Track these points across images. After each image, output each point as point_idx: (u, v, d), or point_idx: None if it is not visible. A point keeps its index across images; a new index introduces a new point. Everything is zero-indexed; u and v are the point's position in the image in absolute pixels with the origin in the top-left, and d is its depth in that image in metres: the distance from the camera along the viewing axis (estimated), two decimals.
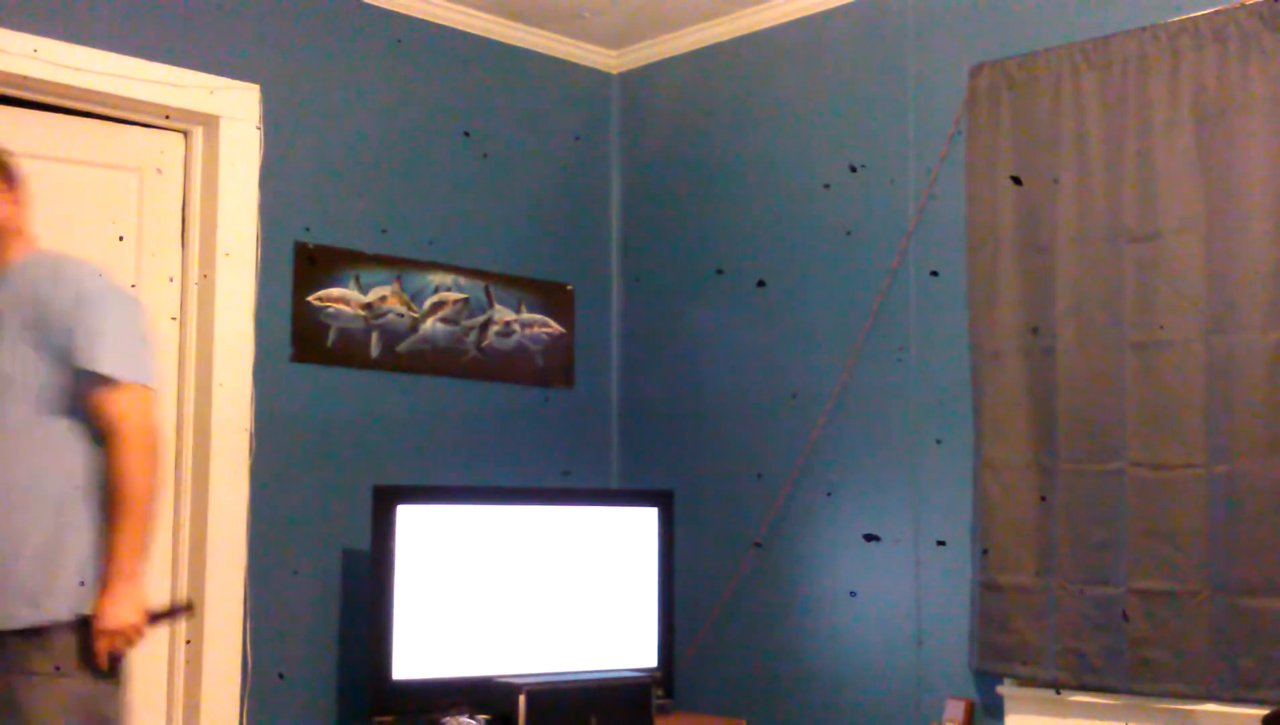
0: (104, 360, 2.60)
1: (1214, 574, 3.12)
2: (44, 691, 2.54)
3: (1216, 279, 3.17)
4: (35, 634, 2.54)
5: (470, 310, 4.20)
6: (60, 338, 2.60)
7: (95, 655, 2.57)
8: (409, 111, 4.11)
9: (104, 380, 2.60)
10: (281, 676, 3.66)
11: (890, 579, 3.74)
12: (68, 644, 2.56)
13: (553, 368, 4.40)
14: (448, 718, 3.46)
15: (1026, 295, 3.48)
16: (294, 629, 3.70)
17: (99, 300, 2.64)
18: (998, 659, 3.44)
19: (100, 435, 2.62)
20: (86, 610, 2.57)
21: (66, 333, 2.60)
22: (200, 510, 3.60)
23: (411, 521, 3.61)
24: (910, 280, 3.79)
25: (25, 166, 3.49)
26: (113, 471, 2.60)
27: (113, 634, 2.57)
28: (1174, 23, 3.27)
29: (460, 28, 4.24)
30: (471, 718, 3.45)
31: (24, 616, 2.55)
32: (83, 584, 2.58)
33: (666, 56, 4.51)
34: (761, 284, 4.14)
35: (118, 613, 2.57)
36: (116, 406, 2.60)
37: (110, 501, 2.60)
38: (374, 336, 3.98)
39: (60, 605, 2.56)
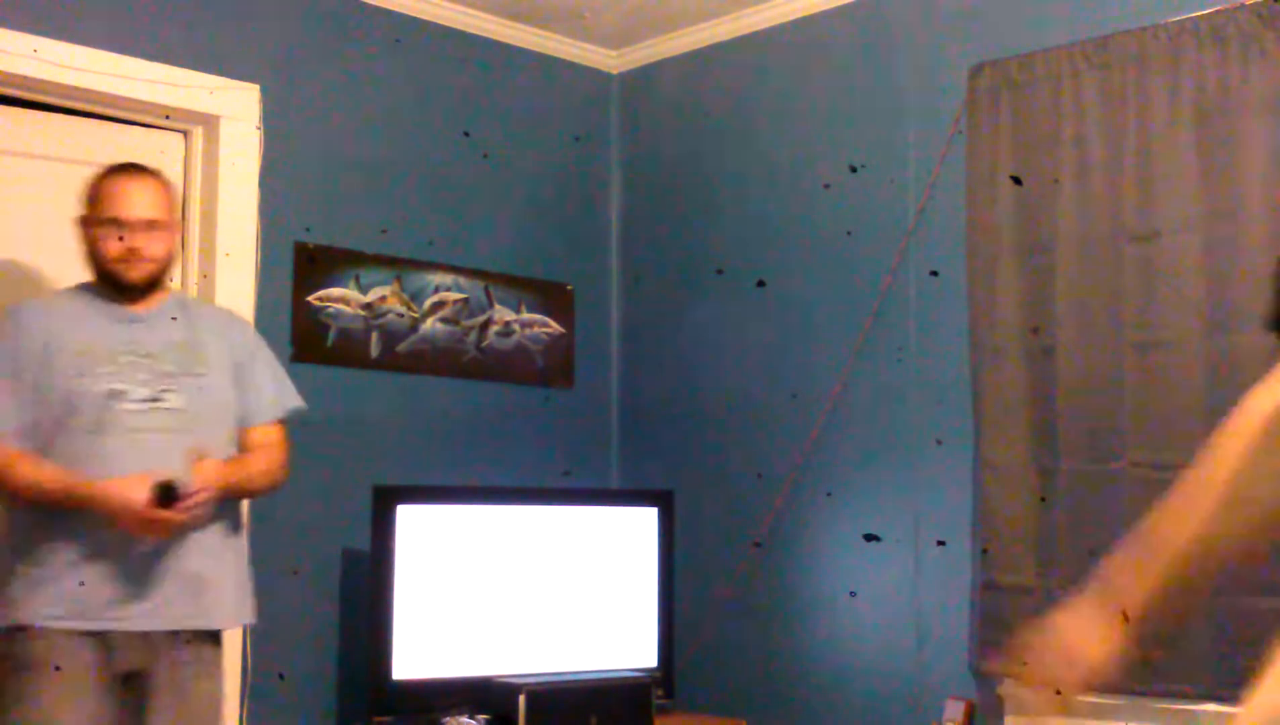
0: (269, 408, 3.13)
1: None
2: (213, 685, 2.98)
3: (1216, 279, 3.17)
4: (213, 635, 2.98)
5: (470, 310, 4.20)
6: (243, 381, 3.07)
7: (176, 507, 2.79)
8: (409, 111, 4.12)
9: (264, 420, 3.12)
10: (281, 676, 3.66)
11: (890, 579, 3.74)
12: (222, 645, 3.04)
13: (553, 368, 4.40)
14: (448, 718, 3.46)
15: (1026, 295, 3.48)
16: (294, 629, 3.70)
17: (264, 352, 3.17)
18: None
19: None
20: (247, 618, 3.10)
21: (249, 378, 3.09)
22: None
23: (411, 521, 3.61)
24: (910, 280, 3.79)
25: (25, 167, 3.51)
26: (248, 457, 3.07)
27: (206, 490, 2.83)
28: (1174, 23, 3.27)
29: (460, 28, 4.24)
30: (471, 718, 3.45)
31: (218, 619, 2.98)
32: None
33: (666, 56, 4.51)
34: (761, 284, 4.14)
35: (209, 474, 2.85)
36: (268, 437, 3.11)
37: (247, 456, 3.06)
38: (374, 336, 3.98)
39: (247, 612, 3.06)
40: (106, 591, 2.80)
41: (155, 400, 2.90)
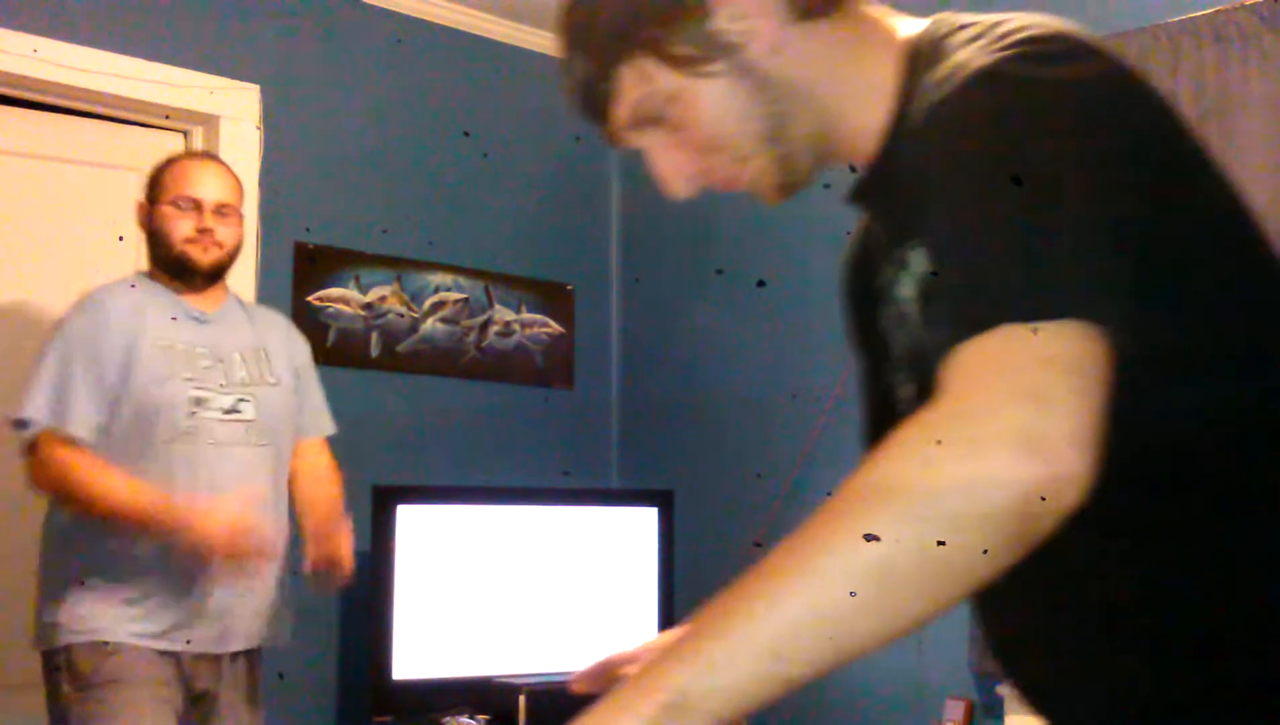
0: (323, 423, 3.09)
1: None
2: (260, 703, 2.93)
3: None
4: (259, 651, 2.91)
5: (470, 310, 4.20)
6: (300, 391, 3.00)
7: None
8: (409, 111, 4.11)
9: (317, 434, 3.08)
10: (281, 676, 3.65)
11: None
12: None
13: (553, 368, 4.40)
14: (448, 718, 3.46)
15: None
16: (294, 629, 3.69)
17: (309, 355, 3.09)
18: None
19: (297, 474, 3.02)
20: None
21: (306, 389, 3.03)
22: None
23: (411, 521, 3.61)
24: None
25: (25, 167, 3.51)
26: (327, 476, 3.08)
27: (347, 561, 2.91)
28: (1174, 23, 3.27)
29: (460, 28, 4.24)
30: (471, 718, 3.45)
31: (273, 637, 2.93)
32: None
33: None
34: (761, 284, 4.14)
35: (347, 546, 2.91)
36: (325, 455, 3.09)
37: (326, 494, 3.04)
38: (374, 336, 3.98)
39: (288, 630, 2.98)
40: (181, 611, 2.70)
41: (233, 410, 2.78)
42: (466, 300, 4.19)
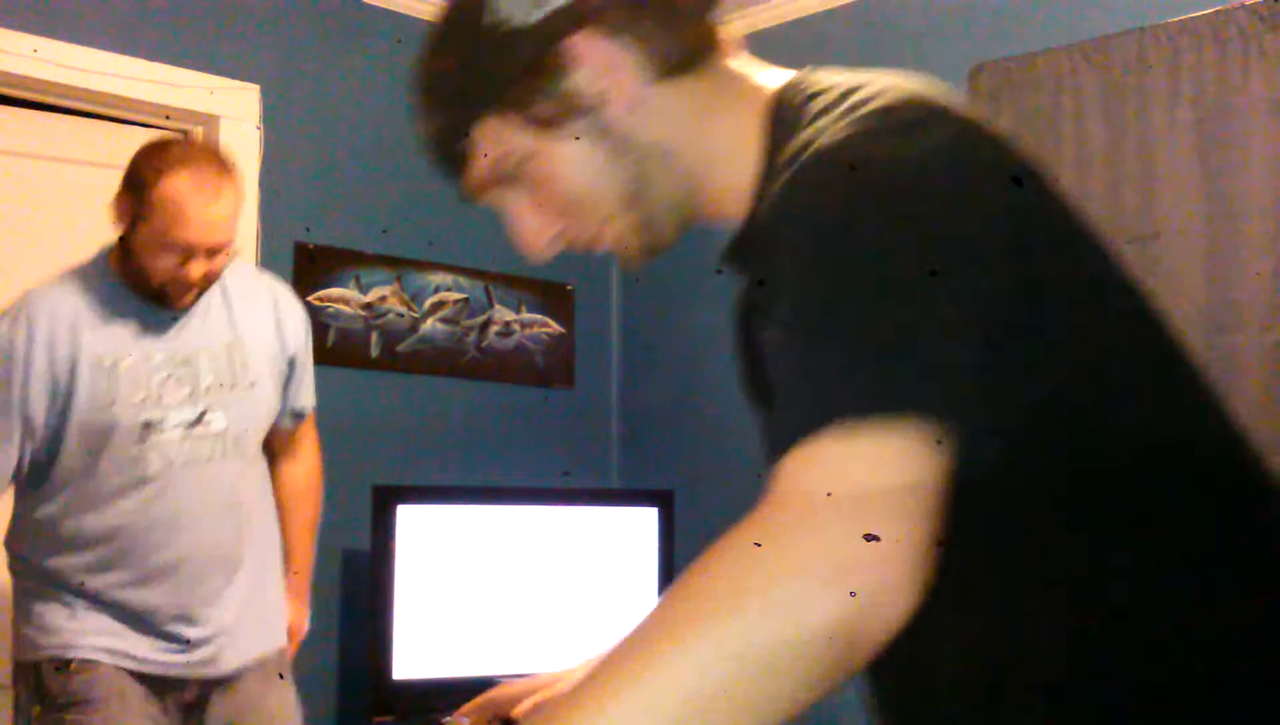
0: (311, 395, 2.82)
1: None
2: (280, 693, 2.77)
3: (1216, 279, 3.17)
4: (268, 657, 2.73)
5: (470, 310, 4.20)
6: (286, 370, 2.71)
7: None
8: (409, 112, 4.11)
9: (305, 414, 2.84)
10: (281, 677, 3.65)
11: None
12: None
13: (553, 368, 4.40)
14: (447, 718, 3.46)
15: None
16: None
17: (306, 332, 2.77)
18: None
19: (278, 455, 2.82)
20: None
21: (296, 376, 2.74)
22: None
23: (411, 521, 3.61)
24: None
25: (25, 167, 3.51)
26: (305, 490, 2.89)
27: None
28: (1174, 23, 3.27)
29: None
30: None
31: (274, 640, 2.77)
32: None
33: None
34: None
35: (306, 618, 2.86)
36: (307, 435, 2.89)
37: (299, 517, 2.84)
38: (374, 336, 3.98)
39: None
40: (157, 629, 2.50)
41: (195, 423, 2.47)
42: (466, 300, 4.19)
